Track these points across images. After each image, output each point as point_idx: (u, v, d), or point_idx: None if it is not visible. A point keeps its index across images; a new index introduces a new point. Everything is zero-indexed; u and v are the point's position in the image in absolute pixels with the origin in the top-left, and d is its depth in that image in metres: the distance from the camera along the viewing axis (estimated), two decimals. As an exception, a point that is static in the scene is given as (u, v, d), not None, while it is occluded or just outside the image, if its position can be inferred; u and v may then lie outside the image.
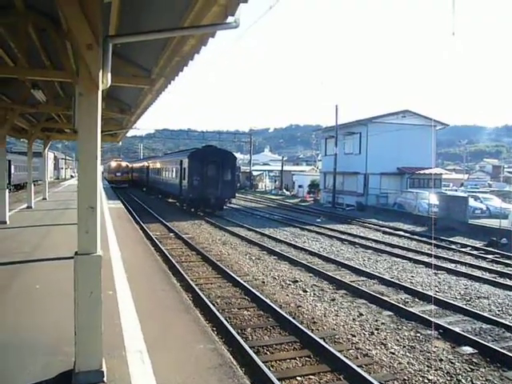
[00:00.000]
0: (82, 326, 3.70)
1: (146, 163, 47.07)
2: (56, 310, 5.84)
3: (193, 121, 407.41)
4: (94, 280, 3.72)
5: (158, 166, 38.03)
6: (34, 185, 22.18)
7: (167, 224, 21.36)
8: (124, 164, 54.15)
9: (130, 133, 25.51)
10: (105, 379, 3.79)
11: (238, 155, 36.68)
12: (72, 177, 75.76)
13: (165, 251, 14.14)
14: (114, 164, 53.38)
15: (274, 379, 5.88)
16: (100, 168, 3.82)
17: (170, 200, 34.01)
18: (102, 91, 3.93)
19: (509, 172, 69.18)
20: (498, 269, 13.79)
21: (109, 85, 3.85)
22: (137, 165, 54.85)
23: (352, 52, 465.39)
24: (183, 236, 18.00)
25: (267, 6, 6.41)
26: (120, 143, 29.87)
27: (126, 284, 6.95)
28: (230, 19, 4.08)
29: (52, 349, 4.49)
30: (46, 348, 4.51)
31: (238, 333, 7.60)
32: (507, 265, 14.45)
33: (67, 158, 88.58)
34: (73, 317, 4.32)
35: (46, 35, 7.60)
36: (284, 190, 53.39)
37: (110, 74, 3.82)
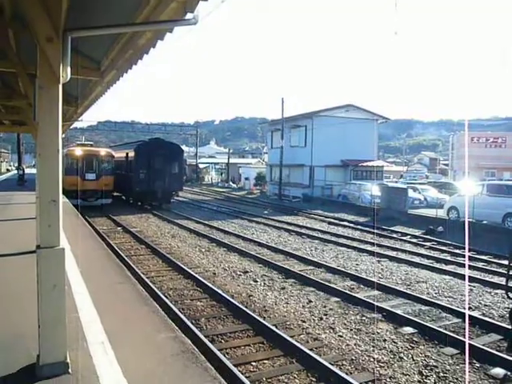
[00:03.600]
0: (45, 319, 3.71)
1: None
2: (8, 306, 5.72)
3: (137, 112, 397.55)
4: (58, 273, 3.74)
5: None
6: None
7: (114, 218, 21.00)
8: (103, 153, 25.85)
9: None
10: (70, 370, 3.83)
11: (183, 148, 36.41)
12: (8, 170, 71.43)
13: (114, 245, 13.95)
14: (78, 153, 24.29)
15: (231, 365, 6.08)
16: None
17: (116, 194, 33.25)
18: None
19: (444, 164, 72.88)
20: (435, 255, 14.71)
21: (68, 78, 3.85)
22: None
23: (299, 47, 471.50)
24: (131, 230, 17.80)
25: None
26: (63, 135, 28.79)
27: (80, 278, 6.89)
28: (188, 15, 4.17)
29: (10, 345, 4.44)
30: (3, 344, 4.45)
31: (192, 323, 7.75)
32: (443, 251, 15.43)
33: (3, 150, 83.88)
34: (27, 313, 4.31)
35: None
36: (230, 183, 53.60)
37: (69, 68, 3.82)
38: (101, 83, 8.77)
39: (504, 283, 8.36)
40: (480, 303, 9.70)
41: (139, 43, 5.61)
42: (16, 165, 42.25)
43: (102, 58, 7.68)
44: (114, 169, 25.48)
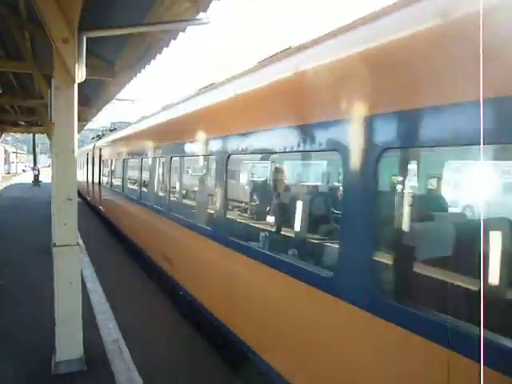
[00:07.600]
0: (62, 316, 3.74)
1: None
2: (27, 303, 5.79)
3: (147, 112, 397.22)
4: (74, 271, 3.77)
5: None
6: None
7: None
8: None
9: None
10: (85, 367, 3.86)
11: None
12: (24, 171, 71.98)
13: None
14: None
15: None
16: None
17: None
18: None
19: None
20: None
21: (84, 78, 3.88)
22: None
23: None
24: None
25: None
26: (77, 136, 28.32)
27: (94, 276, 6.97)
28: (201, 15, 4.18)
29: (30, 342, 4.49)
30: (22, 342, 4.50)
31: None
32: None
33: (18, 151, 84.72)
34: (44, 309, 4.35)
35: (2, 25, 7.38)
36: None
37: (84, 68, 3.85)
38: (114, 83, 8.81)
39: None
40: None
41: (152, 43, 5.63)
42: (31, 165, 42.45)
43: (116, 59, 7.71)
44: None
